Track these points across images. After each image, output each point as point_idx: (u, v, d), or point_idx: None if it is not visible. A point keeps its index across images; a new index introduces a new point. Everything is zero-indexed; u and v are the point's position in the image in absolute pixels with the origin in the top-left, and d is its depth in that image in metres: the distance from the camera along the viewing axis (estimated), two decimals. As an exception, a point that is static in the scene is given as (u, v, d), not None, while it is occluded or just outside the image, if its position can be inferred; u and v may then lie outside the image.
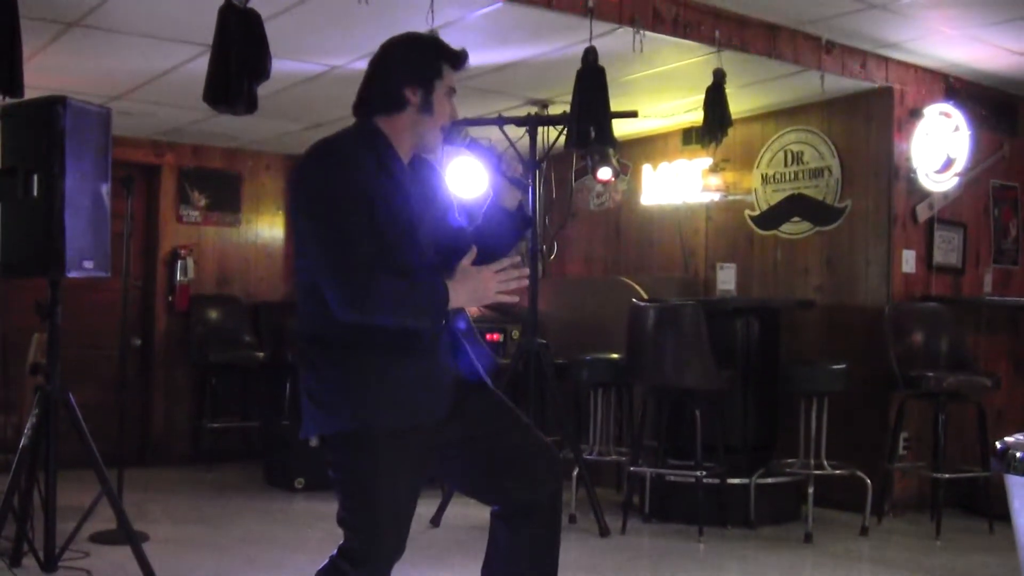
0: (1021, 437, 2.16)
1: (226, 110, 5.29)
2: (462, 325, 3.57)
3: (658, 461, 7.13)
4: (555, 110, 7.83)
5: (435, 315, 3.33)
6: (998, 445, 2.08)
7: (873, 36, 6.99)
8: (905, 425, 7.18)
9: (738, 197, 8.46)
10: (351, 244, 3.19)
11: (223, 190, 10.11)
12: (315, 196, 3.25)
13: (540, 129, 7.15)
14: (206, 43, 5.40)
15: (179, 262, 9.70)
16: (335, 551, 3.46)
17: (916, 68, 7.63)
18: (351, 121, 3.53)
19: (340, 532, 3.24)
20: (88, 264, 5.19)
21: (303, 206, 3.29)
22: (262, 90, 5.44)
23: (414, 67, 3.47)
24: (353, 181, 3.24)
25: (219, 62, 5.15)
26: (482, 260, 3.41)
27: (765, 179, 8.28)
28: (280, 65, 6.37)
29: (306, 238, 3.26)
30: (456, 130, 3.57)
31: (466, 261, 3.38)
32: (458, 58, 3.54)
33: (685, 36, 6.49)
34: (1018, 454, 2.04)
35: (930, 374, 6.82)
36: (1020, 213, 8.43)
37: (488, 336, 8.17)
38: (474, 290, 3.37)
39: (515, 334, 8.32)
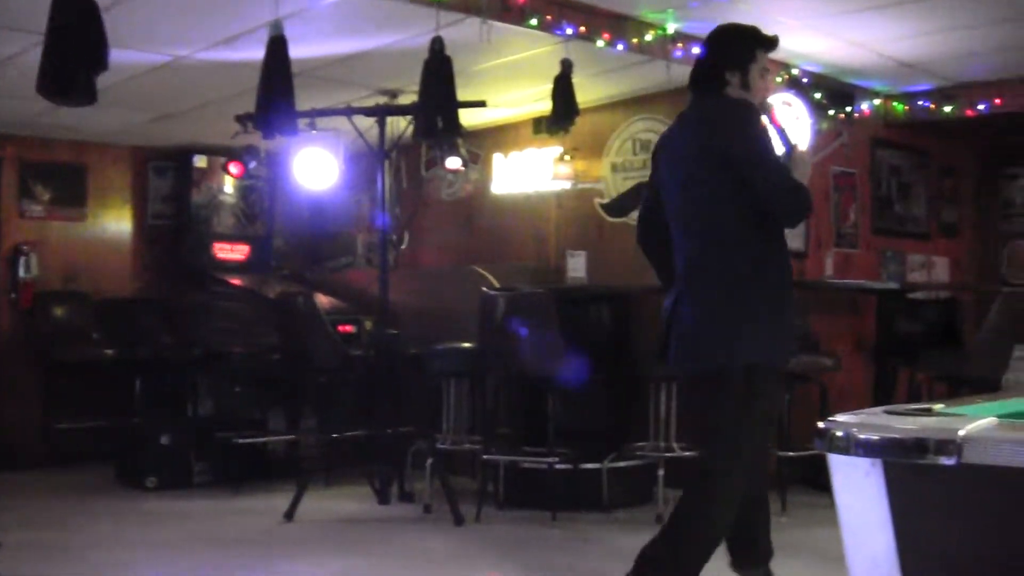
0: (848, 417, 2.23)
1: (62, 102, 5.18)
2: None
3: (512, 449, 7.18)
4: (405, 100, 7.81)
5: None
6: (821, 425, 2.15)
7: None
8: (753, 406, 7.31)
9: (588, 185, 8.55)
10: (782, 169, 4.17)
11: (68, 184, 9.86)
12: (753, 142, 4.17)
13: (389, 119, 7.14)
14: (42, 32, 5.27)
15: (21, 259, 9.44)
16: (700, 477, 4.32)
17: (759, 58, 7.77)
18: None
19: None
20: (-79, 262, 5.04)
21: (741, 149, 4.15)
22: (105, 81, 5.32)
23: (732, 54, 4.35)
24: (764, 126, 4.25)
25: (53, 52, 5.01)
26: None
27: (614, 167, 8.38)
28: (123, 55, 6.26)
29: (748, 172, 4.13)
30: (766, 104, 4.40)
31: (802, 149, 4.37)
32: (771, 43, 4.39)
33: (532, 26, 6.53)
34: (838, 433, 2.10)
35: (774, 356, 6.96)
36: (859, 198, 8.67)
37: (340, 328, 8.14)
38: (804, 169, 4.26)
39: (368, 324, 8.30)
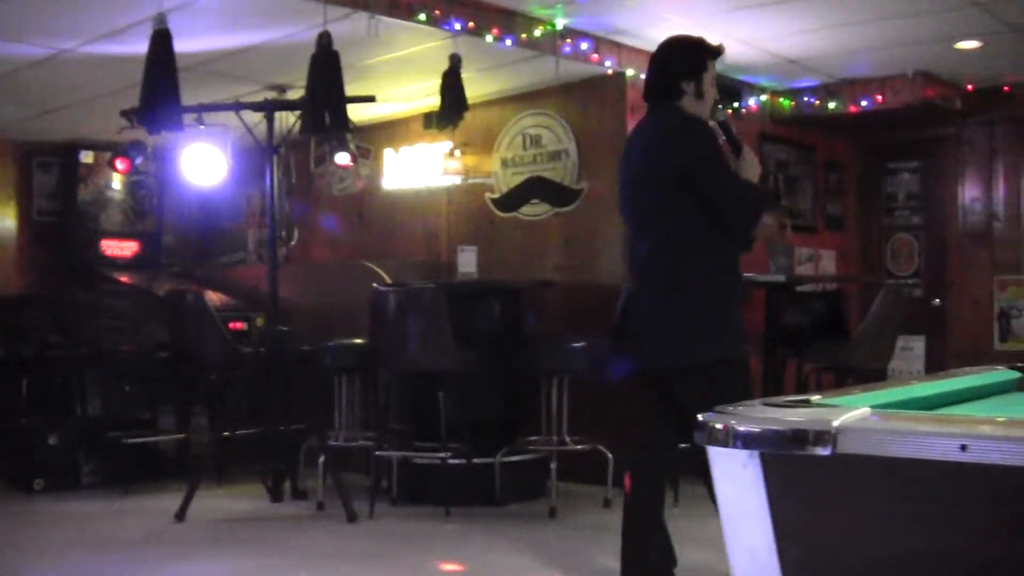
0: (727, 409, 2.26)
1: (-63, 97, 5.06)
2: None
3: (405, 444, 7.17)
4: (294, 95, 7.74)
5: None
6: (700, 417, 2.17)
7: (606, 23, 7.17)
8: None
9: (478, 180, 8.56)
10: (734, 181, 4.44)
11: (-51, 180, 9.66)
12: (704, 156, 4.37)
13: (278, 114, 7.07)
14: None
15: (-100, 257, 9.21)
16: None
17: (647, 54, 7.82)
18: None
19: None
20: None
21: (694, 164, 4.35)
22: (-17, 75, 5.23)
23: (686, 65, 4.53)
24: (717, 142, 4.49)
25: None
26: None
27: (505, 162, 8.41)
28: (2, 48, 6.14)
29: (707, 187, 4.35)
30: (717, 109, 4.60)
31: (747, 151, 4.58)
32: (718, 52, 4.59)
33: (421, 21, 6.52)
34: (717, 425, 2.13)
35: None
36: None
37: (231, 325, 8.05)
38: (754, 169, 4.53)
39: (259, 321, 8.23)
